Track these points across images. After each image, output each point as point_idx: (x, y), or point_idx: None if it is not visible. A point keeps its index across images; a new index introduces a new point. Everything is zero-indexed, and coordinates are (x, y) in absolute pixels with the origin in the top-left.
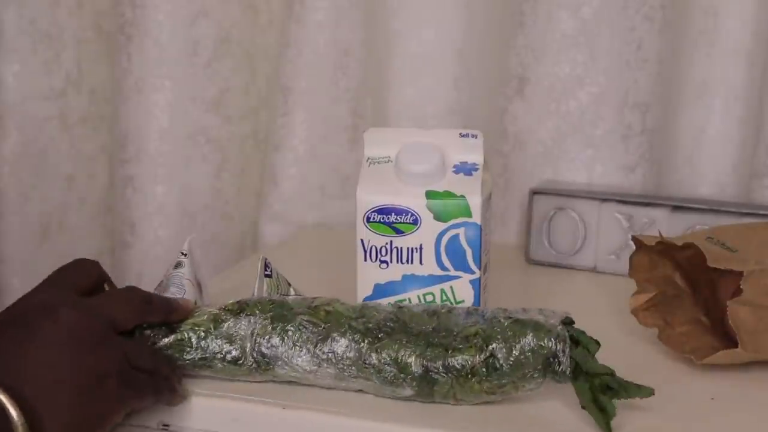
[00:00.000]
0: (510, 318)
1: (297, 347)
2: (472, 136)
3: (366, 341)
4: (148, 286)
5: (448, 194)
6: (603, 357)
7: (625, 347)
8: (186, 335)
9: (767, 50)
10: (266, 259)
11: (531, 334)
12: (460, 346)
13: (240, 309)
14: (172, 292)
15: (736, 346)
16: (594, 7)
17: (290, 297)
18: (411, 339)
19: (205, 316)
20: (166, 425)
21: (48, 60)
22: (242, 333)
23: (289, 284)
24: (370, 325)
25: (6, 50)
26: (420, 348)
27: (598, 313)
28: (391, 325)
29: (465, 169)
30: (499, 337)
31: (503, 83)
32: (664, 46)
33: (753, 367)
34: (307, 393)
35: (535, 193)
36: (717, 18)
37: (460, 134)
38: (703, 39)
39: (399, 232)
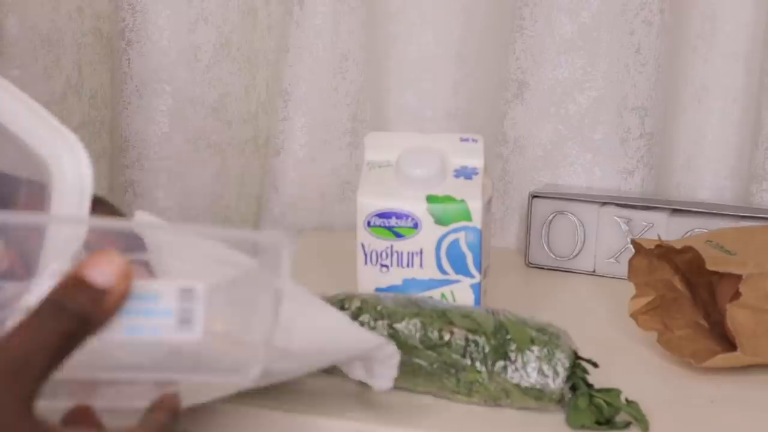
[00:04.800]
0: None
1: None
2: (473, 140)
3: None
4: None
5: (448, 198)
6: (602, 361)
7: (624, 351)
8: None
9: (765, 54)
10: None
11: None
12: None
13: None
14: None
15: (736, 350)
16: (593, 11)
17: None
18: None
19: None
20: None
21: (48, 65)
22: None
23: None
24: None
25: (6, 55)
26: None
27: (598, 316)
28: None
29: (465, 174)
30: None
31: (502, 87)
32: (663, 50)
33: (752, 370)
34: (308, 397)
35: (534, 196)
36: (715, 22)
37: (460, 138)
38: (701, 43)
39: (399, 236)
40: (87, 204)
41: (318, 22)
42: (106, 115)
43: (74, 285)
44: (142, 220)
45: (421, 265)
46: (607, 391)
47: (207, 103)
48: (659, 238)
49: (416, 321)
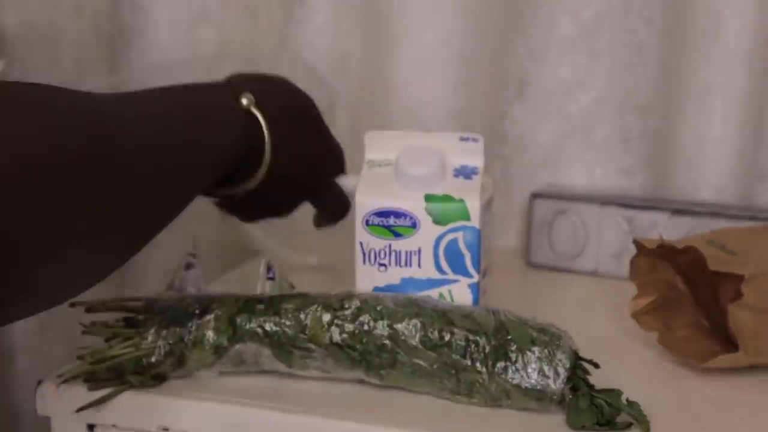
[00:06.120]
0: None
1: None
2: (473, 139)
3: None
4: (149, 289)
5: (447, 198)
6: (603, 361)
7: (625, 351)
8: None
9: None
10: (269, 261)
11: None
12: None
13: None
14: (191, 293)
15: (737, 350)
16: (594, 9)
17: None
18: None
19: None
20: (166, 429)
21: (47, 63)
22: None
23: (292, 286)
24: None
25: (5, 53)
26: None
27: (599, 316)
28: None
29: (465, 173)
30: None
31: (504, 86)
32: (665, 49)
33: (754, 370)
34: (307, 397)
35: (535, 196)
36: (718, 20)
37: (460, 138)
38: (704, 41)
39: (398, 235)
40: None
41: (319, 21)
42: None
43: None
44: None
45: (419, 265)
46: (608, 391)
47: None
48: (661, 237)
49: (416, 321)
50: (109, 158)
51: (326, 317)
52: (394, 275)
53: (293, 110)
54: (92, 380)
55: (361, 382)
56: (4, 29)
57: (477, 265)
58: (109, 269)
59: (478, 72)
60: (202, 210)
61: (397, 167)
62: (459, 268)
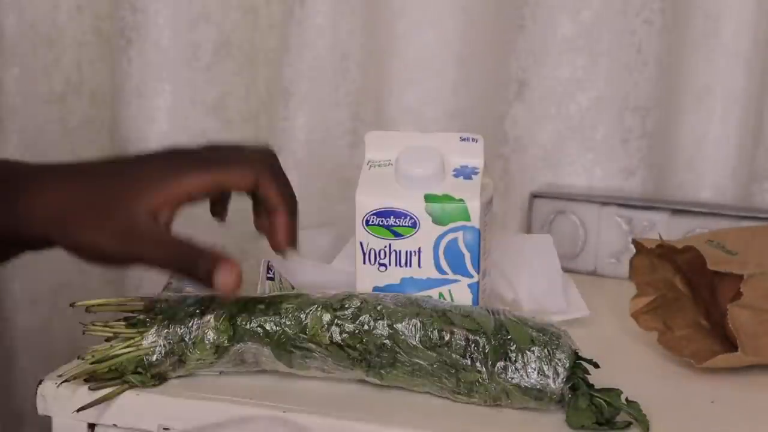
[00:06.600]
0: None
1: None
2: (473, 139)
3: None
4: (149, 289)
5: (447, 198)
6: (603, 361)
7: (625, 351)
8: None
9: (767, 54)
10: (269, 261)
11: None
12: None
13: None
14: (188, 291)
15: (737, 350)
16: (594, 10)
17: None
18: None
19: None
20: (167, 429)
21: (48, 63)
22: None
23: (292, 287)
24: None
25: (6, 54)
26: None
27: (598, 316)
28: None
29: (465, 173)
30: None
31: (503, 87)
32: (664, 50)
33: (753, 370)
34: (307, 397)
35: (535, 196)
36: (717, 21)
37: (460, 138)
38: (703, 42)
39: (398, 235)
40: None
41: (319, 21)
42: (106, 115)
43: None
44: None
45: (419, 265)
46: (608, 391)
47: (207, 102)
48: (660, 237)
49: (416, 321)
50: None
51: (326, 317)
52: (394, 275)
53: None
54: (93, 380)
55: (361, 381)
56: (3, 30)
57: (477, 264)
58: None
59: (477, 72)
60: (199, 211)
61: (397, 167)
62: (459, 267)
